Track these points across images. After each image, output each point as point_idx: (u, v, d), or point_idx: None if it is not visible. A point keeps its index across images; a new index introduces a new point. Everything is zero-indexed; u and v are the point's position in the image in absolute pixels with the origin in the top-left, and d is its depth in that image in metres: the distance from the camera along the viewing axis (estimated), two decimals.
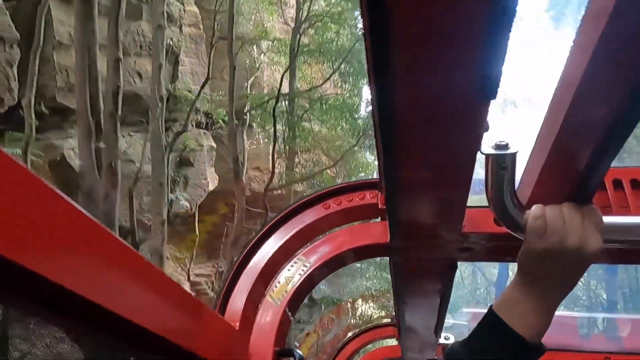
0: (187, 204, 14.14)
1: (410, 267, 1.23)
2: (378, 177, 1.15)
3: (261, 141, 14.65)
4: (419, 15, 0.45)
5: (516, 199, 0.78)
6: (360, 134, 14.34)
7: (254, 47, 14.97)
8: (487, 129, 0.63)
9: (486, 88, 0.54)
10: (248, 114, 13.13)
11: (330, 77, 14.37)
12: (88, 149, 7.30)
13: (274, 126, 12.61)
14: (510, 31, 0.47)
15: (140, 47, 12.37)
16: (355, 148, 15.64)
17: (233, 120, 11.97)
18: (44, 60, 11.14)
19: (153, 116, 9.97)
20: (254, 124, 14.84)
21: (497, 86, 0.54)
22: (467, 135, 0.64)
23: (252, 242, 1.19)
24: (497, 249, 1.15)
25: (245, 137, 14.42)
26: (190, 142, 13.75)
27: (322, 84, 14.44)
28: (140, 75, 12.43)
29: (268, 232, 1.20)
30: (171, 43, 12.91)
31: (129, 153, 12.41)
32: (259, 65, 15.06)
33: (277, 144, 13.57)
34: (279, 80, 14.35)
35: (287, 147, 14.31)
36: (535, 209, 0.76)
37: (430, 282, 1.28)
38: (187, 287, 13.53)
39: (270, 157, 13.12)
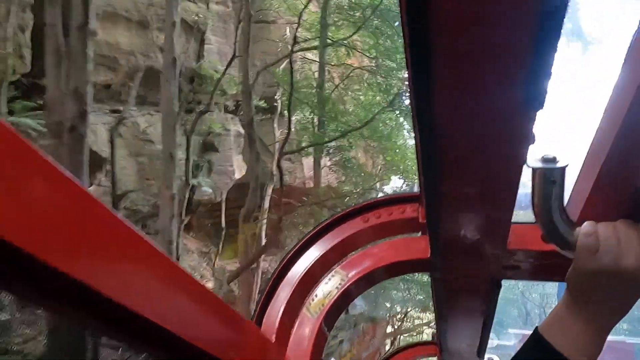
0: (210, 190, 14.48)
1: (452, 284, 1.30)
2: (419, 190, 1.24)
3: (293, 128, 14.68)
4: (461, 20, 0.47)
5: (565, 215, 0.79)
6: (394, 95, 13.62)
7: (287, 31, 14.98)
8: (533, 141, 0.64)
9: (533, 98, 0.55)
10: (279, 100, 13.11)
11: (362, 25, 13.90)
12: (56, 72, 6.64)
13: (291, 73, 12.18)
14: (558, 38, 0.49)
15: (164, 21, 12.68)
16: (393, 126, 15.25)
17: (248, 79, 11.85)
18: None
19: (165, 80, 9.88)
20: (286, 112, 14.87)
21: (545, 96, 0.55)
22: (512, 147, 0.66)
23: (290, 254, 1.30)
24: (544, 268, 1.17)
25: (276, 125, 14.53)
26: (215, 125, 14.03)
27: (353, 34, 13.99)
28: (163, 51, 12.76)
29: (306, 244, 1.31)
30: (197, 19, 13.17)
31: (148, 132, 12.82)
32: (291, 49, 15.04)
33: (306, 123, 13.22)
34: (312, 68, 14.27)
35: (314, 117, 14.10)
36: (587, 225, 0.77)
37: (473, 300, 1.36)
38: (211, 283, 13.91)
39: (287, 113, 12.63)
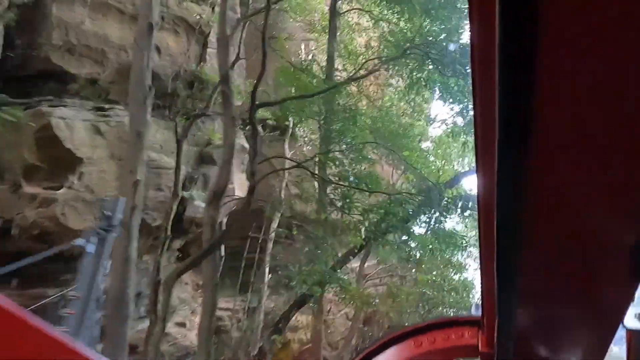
0: (204, 205, 14.43)
1: None
2: (480, 314, 1.26)
3: (304, 148, 14.60)
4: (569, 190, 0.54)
5: None
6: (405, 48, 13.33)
7: (302, 46, 15.01)
8: (633, 300, 0.66)
9: None
10: (291, 120, 12.94)
11: None
12: None
13: (266, 17, 12.02)
14: None
15: (162, 18, 12.81)
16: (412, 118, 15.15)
17: (225, 26, 11.69)
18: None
19: (137, 47, 9.88)
20: (297, 128, 14.88)
21: None
22: (609, 306, 0.67)
23: None
24: None
25: (287, 146, 14.56)
26: (215, 135, 14.05)
27: None
28: (159, 50, 12.88)
29: None
30: (199, 19, 13.29)
31: None
32: (306, 65, 15.13)
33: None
34: (321, 61, 14.29)
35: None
36: None
37: None
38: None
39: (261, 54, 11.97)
